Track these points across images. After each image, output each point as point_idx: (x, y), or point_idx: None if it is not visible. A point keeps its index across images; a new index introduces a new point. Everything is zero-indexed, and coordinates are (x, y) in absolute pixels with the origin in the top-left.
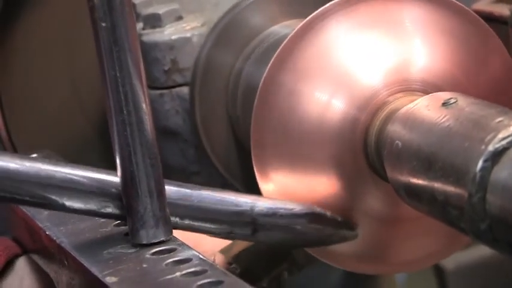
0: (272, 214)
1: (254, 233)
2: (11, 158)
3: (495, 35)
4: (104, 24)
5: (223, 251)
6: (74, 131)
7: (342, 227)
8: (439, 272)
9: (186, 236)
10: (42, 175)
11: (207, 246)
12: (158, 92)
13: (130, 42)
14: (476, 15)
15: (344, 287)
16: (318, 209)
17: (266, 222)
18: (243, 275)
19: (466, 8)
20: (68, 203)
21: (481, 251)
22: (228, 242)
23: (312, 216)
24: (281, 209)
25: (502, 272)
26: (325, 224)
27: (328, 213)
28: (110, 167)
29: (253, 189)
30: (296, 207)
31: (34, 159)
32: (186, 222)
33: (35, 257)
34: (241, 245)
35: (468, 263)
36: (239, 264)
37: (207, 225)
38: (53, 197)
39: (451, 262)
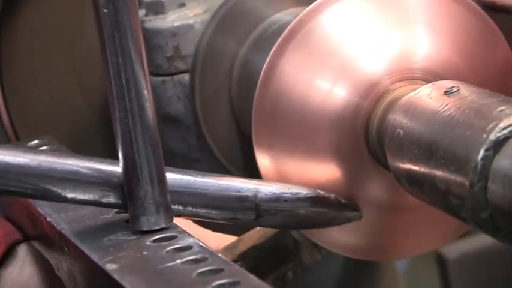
0: (276, 199)
1: (258, 218)
2: (11, 152)
3: (496, 26)
4: (105, 11)
5: (228, 248)
6: (76, 117)
7: (345, 209)
8: (441, 261)
9: (191, 232)
10: (44, 167)
11: (211, 243)
12: (160, 78)
13: (132, 28)
14: (478, 6)
15: (345, 276)
16: (322, 193)
17: (270, 207)
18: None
19: (468, 1)
20: (70, 194)
21: (483, 241)
22: (232, 238)
23: (315, 200)
24: (285, 193)
25: (503, 262)
26: (329, 207)
27: (332, 196)
28: (112, 154)
29: (254, 176)
30: (300, 191)
31: (35, 151)
32: (190, 209)
33: (35, 244)
34: (247, 242)
35: (470, 253)
36: (245, 262)
37: (211, 211)
38: (55, 189)
39: (453, 251)
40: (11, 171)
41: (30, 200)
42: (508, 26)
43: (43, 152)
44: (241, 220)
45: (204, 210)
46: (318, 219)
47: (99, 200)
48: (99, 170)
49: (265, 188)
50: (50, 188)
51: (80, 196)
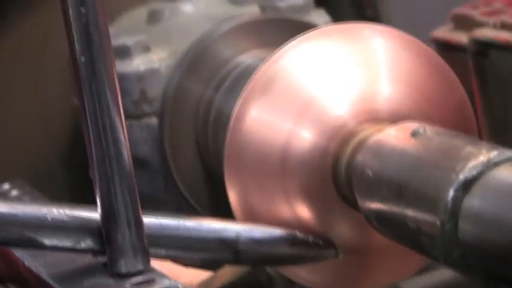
0: (256, 242)
1: (237, 260)
2: None
3: (448, 66)
4: (83, 59)
5: (203, 285)
6: (39, 158)
7: (323, 248)
8: None
9: (165, 269)
10: (21, 215)
11: (184, 278)
12: (127, 122)
13: (108, 76)
14: (430, 48)
15: None
16: (301, 235)
17: (250, 249)
18: None
19: (420, 42)
20: (46, 241)
21: (441, 275)
22: (205, 273)
23: (294, 242)
24: (265, 237)
25: None
26: (307, 248)
27: (311, 238)
28: (76, 198)
29: (223, 217)
30: (280, 234)
31: (11, 199)
32: (171, 252)
33: (11, 287)
34: (222, 278)
35: (428, 287)
36: None
37: (192, 254)
38: (33, 237)
39: (411, 286)
40: None
41: None
42: (463, 64)
43: (19, 199)
44: (221, 261)
45: (184, 253)
46: (296, 259)
47: (78, 246)
48: (77, 217)
49: (246, 232)
50: (28, 235)
51: (58, 243)
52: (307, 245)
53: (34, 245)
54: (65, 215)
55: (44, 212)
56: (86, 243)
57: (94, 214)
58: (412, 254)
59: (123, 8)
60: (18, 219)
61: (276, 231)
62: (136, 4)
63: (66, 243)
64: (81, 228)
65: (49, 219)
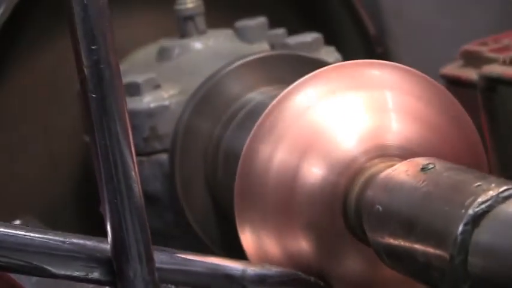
0: (261, 281)
1: None
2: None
3: (457, 101)
4: (94, 96)
5: None
6: (49, 194)
7: None
8: None
9: None
10: (30, 243)
11: None
12: (138, 158)
13: (119, 112)
14: (441, 86)
15: None
16: (303, 276)
17: (255, 287)
18: None
19: (430, 78)
20: (57, 270)
21: None
22: None
23: (297, 283)
24: (269, 276)
25: None
26: None
27: (312, 279)
28: (86, 232)
29: (232, 253)
30: (283, 274)
31: (22, 227)
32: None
33: None
34: None
35: None
36: None
37: None
38: (42, 265)
39: None
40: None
41: (18, 280)
42: (472, 100)
43: (28, 228)
44: None
45: None
46: None
47: (88, 275)
48: (88, 247)
49: (252, 270)
50: (36, 263)
51: (70, 272)
52: (308, 286)
53: (45, 273)
54: (77, 244)
55: (55, 240)
56: (97, 272)
57: (105, 245)
58: None
59: (134, 46)
60: (30, 247)
61: (280, 271)
62: (147, 42)
63: (77, 272)
64: (92, 258)
65: (60, 247)
